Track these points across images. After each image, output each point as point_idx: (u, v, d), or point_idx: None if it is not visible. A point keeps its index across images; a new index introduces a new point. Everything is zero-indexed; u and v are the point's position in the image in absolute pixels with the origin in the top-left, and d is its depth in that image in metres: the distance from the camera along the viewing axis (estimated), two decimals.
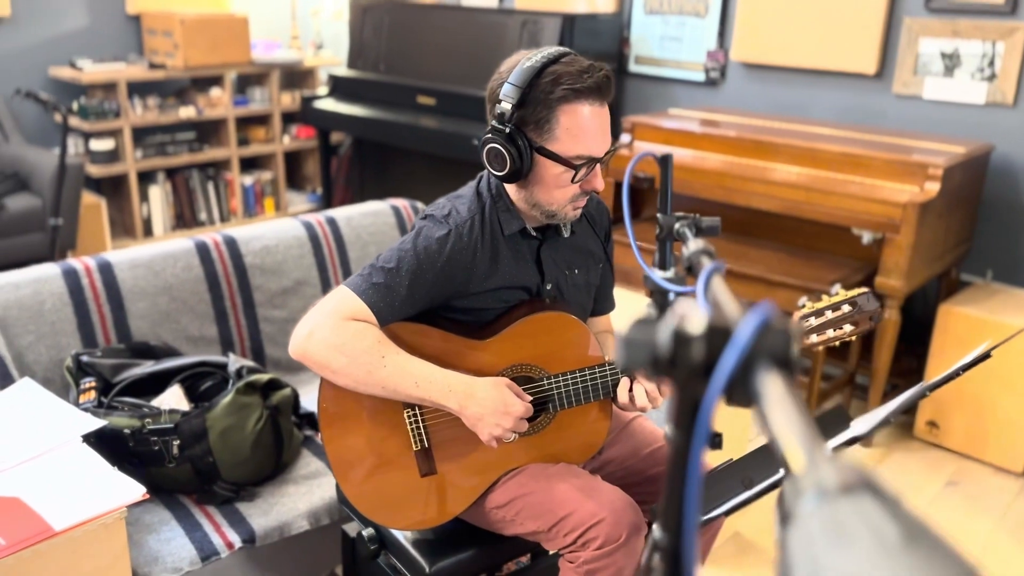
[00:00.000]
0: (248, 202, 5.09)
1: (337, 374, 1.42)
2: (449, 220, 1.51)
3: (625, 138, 3.51)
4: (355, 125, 4.44)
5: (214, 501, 1.83)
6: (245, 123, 5.05)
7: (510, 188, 1.54)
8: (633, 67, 4.15)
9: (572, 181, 1.46)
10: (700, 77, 3.92)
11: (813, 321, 1.59)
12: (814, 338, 1.60)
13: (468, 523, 1.65)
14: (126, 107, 4.46)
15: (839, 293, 1.63)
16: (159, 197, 4.78)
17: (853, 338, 1.62)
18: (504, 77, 1.46)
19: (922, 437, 3.02)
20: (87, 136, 4.47)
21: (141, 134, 4.71)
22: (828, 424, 1.39)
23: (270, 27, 5.33)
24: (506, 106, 1.44)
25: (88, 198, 4.34)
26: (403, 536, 1.63)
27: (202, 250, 2.25)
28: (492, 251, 1.52)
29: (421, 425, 1.52)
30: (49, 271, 2.01)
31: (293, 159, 5.42)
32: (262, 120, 5.08)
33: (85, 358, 1.91)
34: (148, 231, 4.77)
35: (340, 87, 4.62)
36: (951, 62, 3.15)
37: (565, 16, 3.79)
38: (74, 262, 2.06)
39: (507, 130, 1.44)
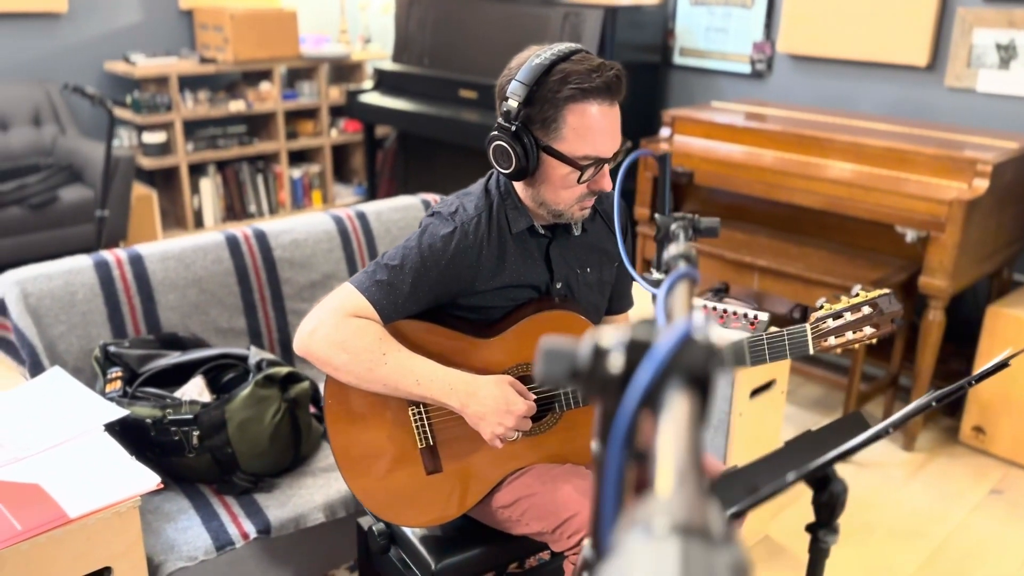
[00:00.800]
0: (296, 195, 5.16)
1: (339, 371, 1.43)
2: (455, 218, 1.50)
3: (665, 132, 3.46)
4: (399, 119, 4.46)
5: (233, 491, 1.86)
6: (294, 116, 5.11)
7: (518, 186, 1.53)
8: (677, 59, 4.09)
9: (579, 181, 1.44)
10: (746, 69, 3.83)
11: (831, 323, 1.55)
12: (832, 340, 1.55)
13: (477, 521, 1.64)
14: (177, 101, 4.56)
15: (859, 294, 1.58)
16: (210, 189, 4.87)
17: (874, 341, 1.57)
18: (513, 74, 1.44)
19: (967, 443, 2.92)
20: (140, 129, 4.58)
21: (192, 127, 4.81)
22: (844, 430, 1.34)
23: (319, 21, 5.38)
24: (513, 104, 1.42)
25: (140, 190, 4.45)
26: (412, 532, 1.63)
27: (232, 243, 2.28)
28: (499, 249, 1.51)
29: (426, 423, 1.52)
30: (81, 263, 2.07)
31: (340, 152, 5.48)
32: (310, 114, 5.15)
33: (112, 348, 1.96)
34: (199, 223, 4.87)
35: (385, 81, 4.65)
36: (1007, 54, 3.01)
37: (607, 8, 3.74)
38: (106, 254, 2.11)
39: (513, 128, 1.42)
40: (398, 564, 1.67)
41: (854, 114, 3.33)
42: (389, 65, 4.66)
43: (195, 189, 4.83)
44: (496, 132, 1.45)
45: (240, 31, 4.63)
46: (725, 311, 2.31)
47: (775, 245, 3.09)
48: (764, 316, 2.29)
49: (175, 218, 4.91)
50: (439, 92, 4.34)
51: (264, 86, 4.86)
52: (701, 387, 0.50)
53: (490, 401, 1.42)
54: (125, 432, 1.86)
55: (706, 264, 3.11)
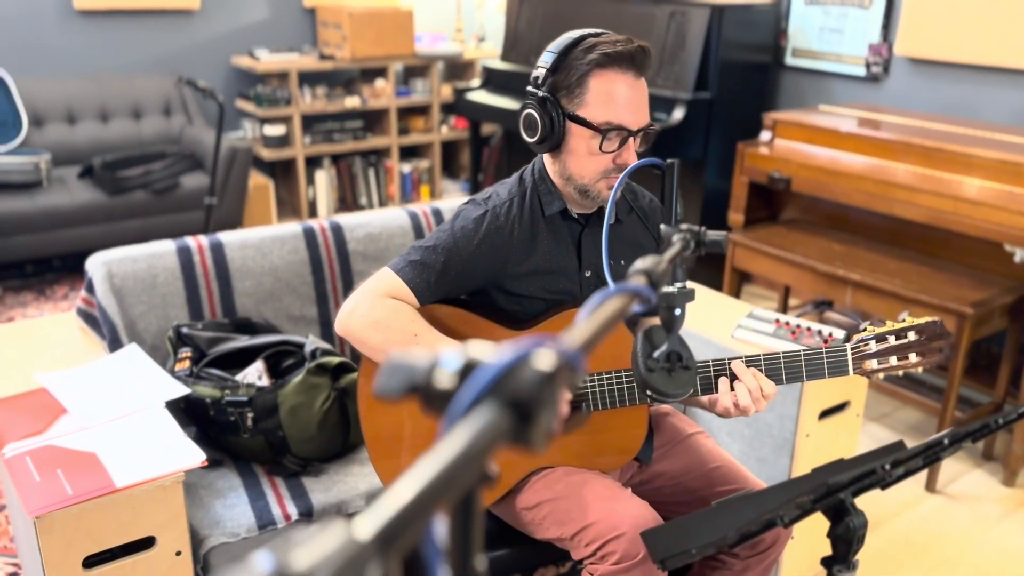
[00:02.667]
0: (405, 188, 5.29)
1: (374, 350, 1.47)
2: (488, 202, 1.55)
3: (765, 135, 3.34)
4: (503, 117, 4.49)
5: (283, 473, 1.93)
6: (406, 113, 5.24)
7: (548, 164, 1.56)
8: (790, 60, 3.93)
9: (600, 149, 1.44)
10: (860, 72, 3.64)
11: (873, 346, 1.46)
12: (874, 364, 1.46)
13: (506, 524, 1.64)
14: (296, 96, 4.76)
15: (906, 320, 1.48)
16: (324, 181, 5.07)
17: (919, 370, 1.46)
18: None
19: None
20: (262, 122, 4.81)
21: (310, 121, 5.01)
22: (880, 460, 1.26)
23: (437, 20, 5.49)
24: (540, 71, 1.47)
25: (258, 179, 4.68)
26: None
27: (308, 235, 2.37)
28: (531, 231, 1.54)
29: None
30: (165, 247, 2.19)
31: (450, 148, 5.57)
32: (422, 110, 5.26)
33: (185, 329, 2.07)
34: (313, 212, 5.08)
35: (492, 79, 4.69)
36: None
37: (713, 7, 3.64)
38: (189, 240, 2.23)
39: (539, 94, 1.47)
40: (421, 561, 1.69)
41: (974, 123, 3.11)
42: (497, 63, 4.70)
43: (310, 180, 5.03)
44: (526, 102, 1.49)
45: (358, 29, 4.78)
46: (798, 326, 2.21)
47: (873, 259, 2.92)
48: (840, 334, 2.18)
49: (291, 207, 5.13)
50: None
51: (379, 83, 5.01)
52: (522, 413, 0.48)
53: None
54: (189, 409, 1.96)
55: (798, 276, 2.97)
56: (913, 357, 1.46)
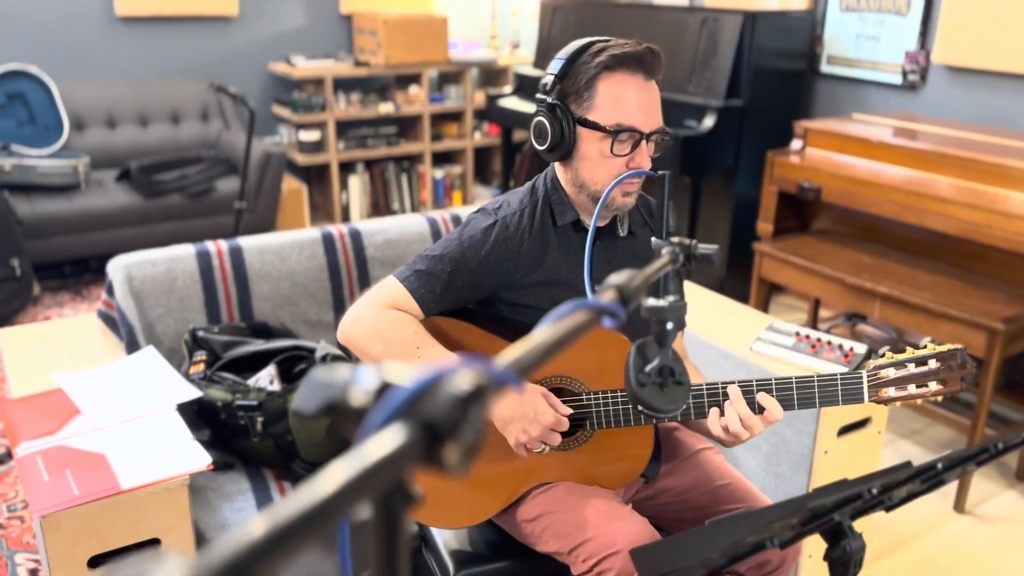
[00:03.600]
0: (438, 194, 5.31)
1: (376, 362, 1.46)
2: (498, 212, 1.53)
3: (796, 144, 3.28)
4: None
5: (291, 478, 1.94)
6: (439, 119, 5.26)
7: (560, 173, 1.53)
8: (825, 67, 3.86)
9: (612, 152, 1.42)
10: (897, 80, 3.56)
11: (891, 373, 1.41)
12: (892, 392, 1.42)
13: (508, 535, 1.63)
14: (331, 101, 4.80)
15: (927, 346, 1.43)
16: (357, 186, 5.11)
17: (939, 399, 1.41)
18: None
19: None
20: (298, 127, 4.86)
21: (344, 127, 5.06)
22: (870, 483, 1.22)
23: (472, 26, 5.51)
24: (549, 78, 1.46)
25: (292, 184, 4.73)
26: (441, 537, 1.64)
27: (327, 241, 2.38)
28: (542, 242, 1.51)
29: None
30: (184, 251, 2.22)
31: (482, 155, 5.58)
32: (455, 116, 5.27)
33: (201, 333, 2.09)
34: (346, 217, 5.12)
35: (524, 85, 4.68)
36: None
37: (746, 14, 3.59)
38: (209, 245, 2.26)
39: (549, 100, 1.45)
40: (427, 567, 1.68)
41: (1013, 133, 3.02)
42: (529, 70, 4.70)
43: (344, 185, 5.08)
44: (536, 109, 1.48)
45: (392, 36, 4.82)
46: (819, 340, 2.16)
47: (904, 271, 2.85)
48: (861, 349, 2.12)
49: (325, 212, 5.17)
50: None
51: (413, 89, 5.03)
52: (434, 435, 0.47)
53: (517, 407, 1.40)
54: (202, 412, 1.98)
55: (825, 287, 2.91)
56: (933, 386, 1.41)
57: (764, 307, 3.26)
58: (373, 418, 0.48)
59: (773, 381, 1.42)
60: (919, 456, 2.90)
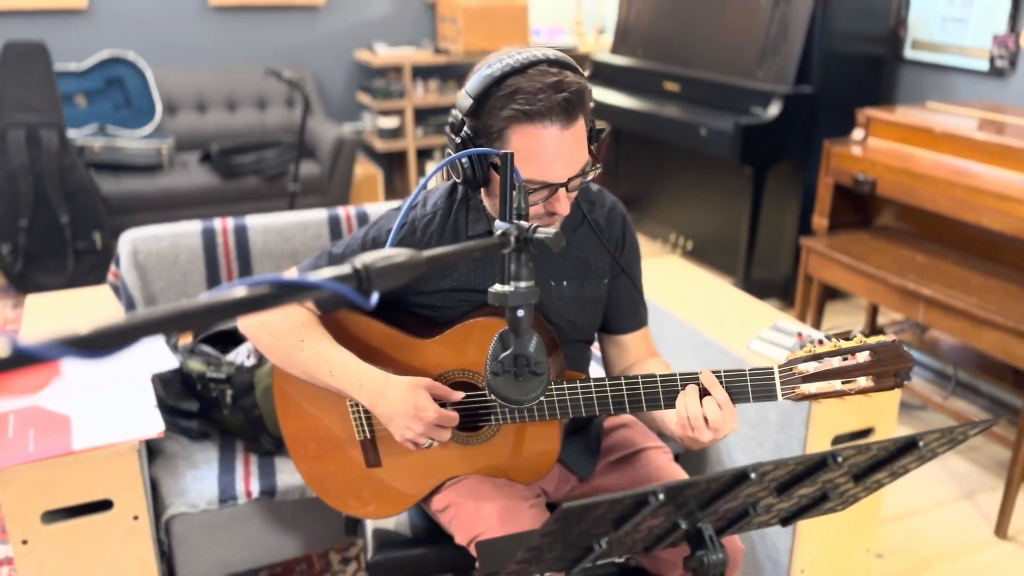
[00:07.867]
0: None
1: (266, 351, 1.46)
2: (410, 213, 1.46)
3: (858, 134, 3.06)
4: (607, 112, 4.39)
5: (259, 451, 1.99)
6: None
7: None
8: (909, 53, 3.58)
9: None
10: (984, 66, 3.26)
11: (810, 367, 1.29)
12: (811, 388, 1.30)
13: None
14: (409, 89, 4.87)
15: (857, 338, 1.30)
16: None
17: (869, 396, 1.29)
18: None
19: None
20: (377, 114, 4.96)
21: (423, 114, 5.12)
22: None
23: (558, 12, 5.44)
24: (457, 115, 1.32)
25: (368, 169, 4.83)
26: (370, 521, 1.63)
27: (333, 221, 2.41)
28: None
29: (362, 415, 1.50)
30: (191, 228, 2.30)
31: None
32: None
33: None
34: None
35: (600, 73, 4.59)
36: None
37: None
38: (216, 222, 2.33)
39: (457, 140, 1.32)
40: (361, 548, 1.68)
41: None
42: (606, 57, 4.60)
43: (421, 172, 5.14)
44: (445, 145, 1.39)
45: (472, 23, 4.83)
46: (820, 341, 2.00)
47: (958, 273, 2.61)
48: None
49: (403, 198, 5.26)
50: (645, 84, 4.21)
51: None
52: None
53: (398, 404, 1.36)
54: (186, 383, 2.06)
55: (871, 288, 2.70)
56: (863, 381, 1.29)
57: (818, 306, 3.07)
58: None
59: (678, 376, 1.33)
60: (970, 474, 2.65)
